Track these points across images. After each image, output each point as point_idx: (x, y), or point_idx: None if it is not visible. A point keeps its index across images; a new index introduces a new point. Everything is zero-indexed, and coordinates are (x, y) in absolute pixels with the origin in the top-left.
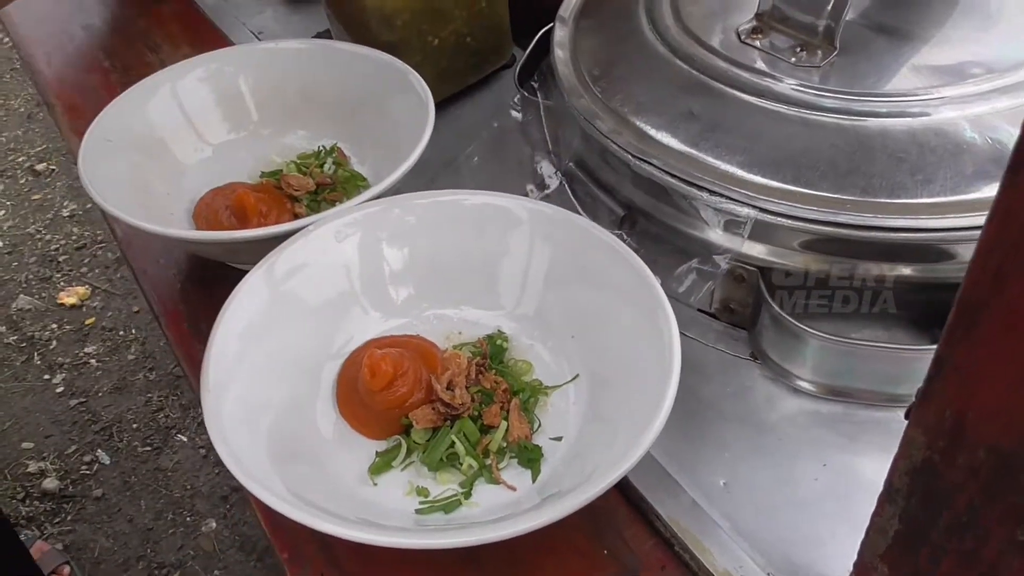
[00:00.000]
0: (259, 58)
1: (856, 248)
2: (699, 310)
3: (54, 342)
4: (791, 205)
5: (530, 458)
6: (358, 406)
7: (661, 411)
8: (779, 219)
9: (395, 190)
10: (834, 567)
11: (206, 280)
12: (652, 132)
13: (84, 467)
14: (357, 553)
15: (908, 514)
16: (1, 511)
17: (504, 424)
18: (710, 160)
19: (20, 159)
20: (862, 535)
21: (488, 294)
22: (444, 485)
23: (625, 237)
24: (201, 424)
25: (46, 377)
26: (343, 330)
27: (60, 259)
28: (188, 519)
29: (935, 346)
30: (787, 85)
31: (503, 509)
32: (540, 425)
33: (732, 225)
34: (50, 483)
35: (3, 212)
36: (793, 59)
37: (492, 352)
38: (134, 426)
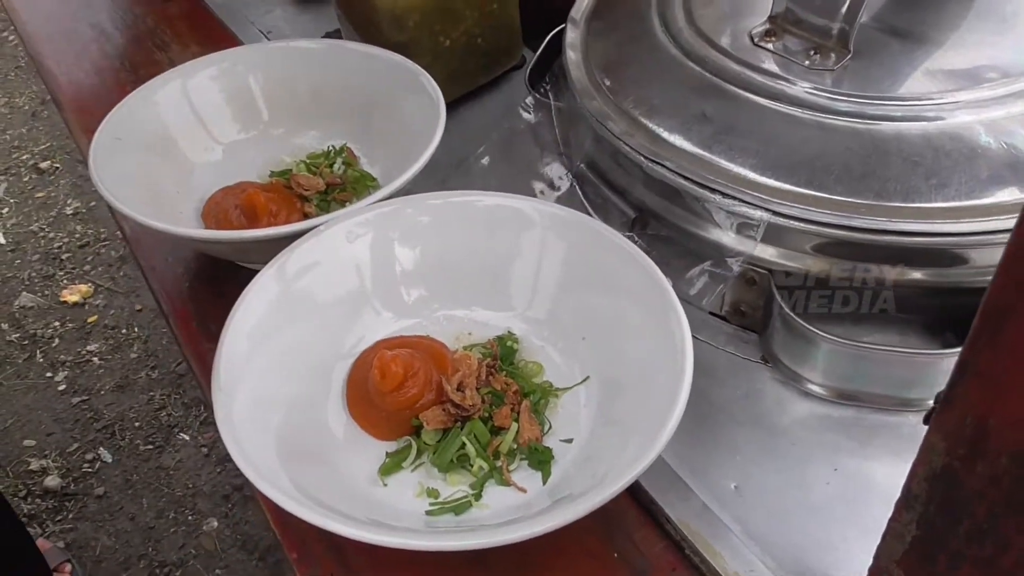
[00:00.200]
0: (270, 57)
1: (869, 252)
2: (710, 313)
3: (56, 340)
4: (804, 208)
5: (541, 460)
6: (368, 407)
7: (673, 415)
8: (792, 222)
9: (406, 191)
10: (846, 571)
11: (215, 279)
12: (664, 134)
13: (86, 465)
14: (366, 553)
15: (926, 520)
16: (11, 509)
17: (515, 426)
18: (723, 163)
19: (24, 157)
20: (874, 539)
21: (499, 295)
22: (454, 486)
23: (636, 239)
24: (203, 423)
25: (48, 375)
26: (354, 330)
27: (63, 257)
28: (190, 518)
29: (947, 350)
30: (801, 88)
31: (513, 511)
32: (551, 427)
33: (744, 228)
34: (52, 481)
35: (7, 209)
36: (807, 62)
37: (502, 353)
38: (136, 424)
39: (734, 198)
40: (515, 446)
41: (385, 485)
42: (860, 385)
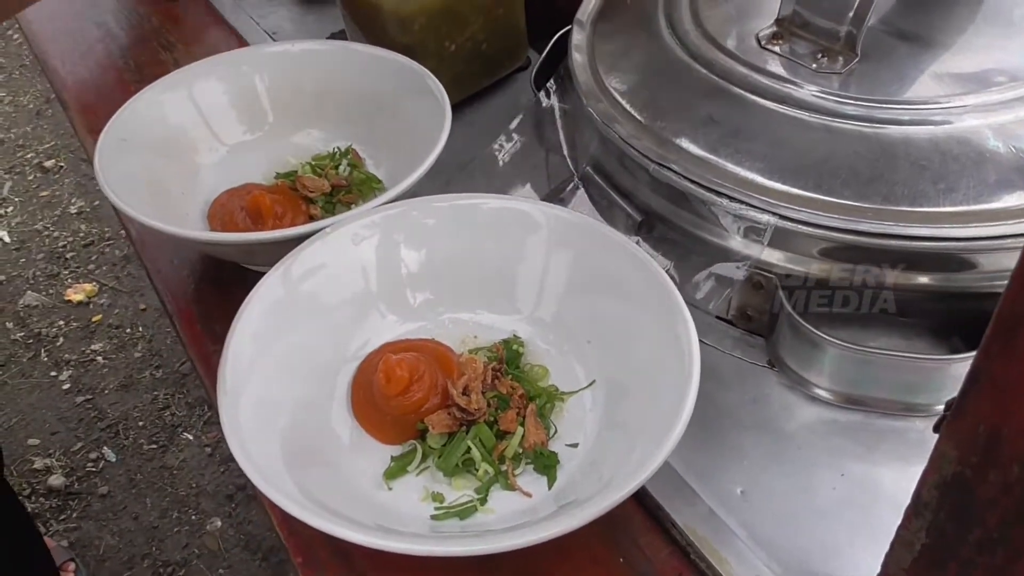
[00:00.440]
0: (276, 59)
1: (877, 256)
2: (716, 317)
3: (61, 339)
4: (812, 212)
5: (546, 464)
6: (373, 410)
7: (680, 420)
8: (799, 226)
9: (411, 193)
10: None
11: (220, 281)
12: (671, 137)
13: (90, 464)
14: (372, 558)
15: (936, 528)
16: (23, 507)
17: (520, 430)
18: (730, 166)
19: (29, 155)
20: (881, 545)
21: (505, 298)
22: (459, 491)
23: (642, 242)
24: (207, 422)
25: (53, 374)
26: (359, 333)
27: (68, 256)
28: (193, 517)
29: (955, 356)
30: (808, 91)
31: (519, 516)
32: (556, 431)
33: (751, 232)
34: (56, 480)
35: (11, 208)
36: (814, 65)
37: (508, 357)
38: (140, 424)
39: (741, 202)
40: (521, 450)
41: (390, 489)
42: (867, 390)
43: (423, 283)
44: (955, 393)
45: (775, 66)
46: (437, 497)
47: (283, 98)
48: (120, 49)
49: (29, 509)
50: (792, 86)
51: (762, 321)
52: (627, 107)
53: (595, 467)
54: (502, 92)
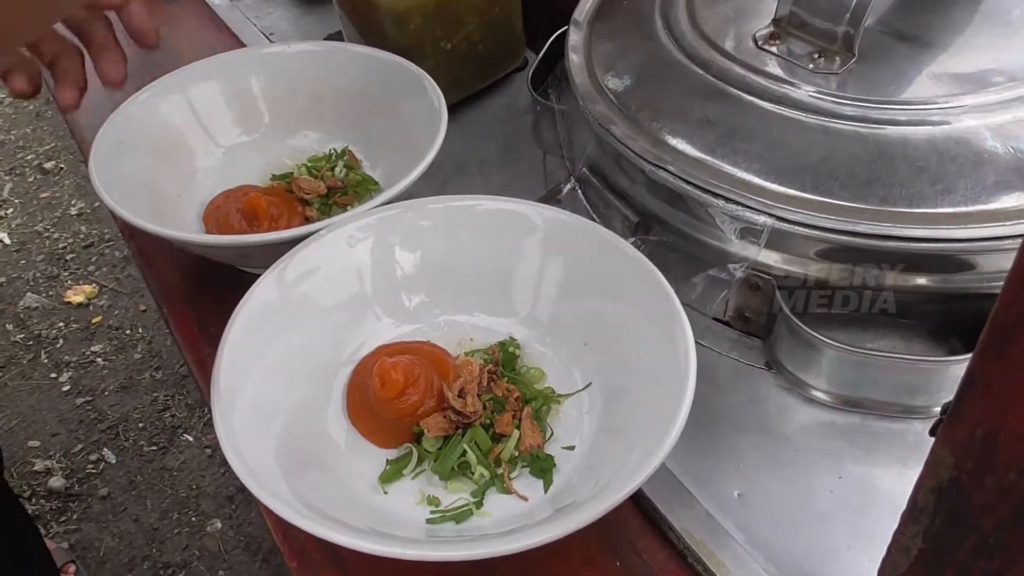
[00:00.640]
0: (271, 60)
1: (874, 258)
2: (713, 318)
3: (61, 340)
4: (809, 214)
5: (542, 468)
6: (368, 414)
7: (676, 422)
8: (796, 228)
9: (407, 195)
10: None
11: (216, 283)
12: (668, 138)
13: (90, 466)
14: (367, 562)
15: (932, 533)
16: (24, 509)
17: (516, 433)
18: (727, 167)
19: (29, 157)
20: (878, 548)
21: (501, 300)
22: (455, 494)
23: (639, 244)
24: (207, 424)
25: (53, 375)
26: (355, 336)
27: (68, 257)
28: (193, 519)
29: (953, 358)
30: (805, 92)
31: (515, 520)
32: (552, 434)
33: (748, 233)
34: (56, 482)
35: (11, 210)
36: (811, 66)
37: (504, 359)
38: (140, 425)
39: (737, 203)
40: (516, 453)
41: (386, 493)
42: (864, 392)
43: (419, 285)
44: (953, 395)
45: (772, 67)
46: (433, 501)
47: (279, 99)
48: None
49: (29, 511)
50: (789, 87)
51: (759, 323)
52: (624, 108)
53: (592, 470)
54: (499, 93)
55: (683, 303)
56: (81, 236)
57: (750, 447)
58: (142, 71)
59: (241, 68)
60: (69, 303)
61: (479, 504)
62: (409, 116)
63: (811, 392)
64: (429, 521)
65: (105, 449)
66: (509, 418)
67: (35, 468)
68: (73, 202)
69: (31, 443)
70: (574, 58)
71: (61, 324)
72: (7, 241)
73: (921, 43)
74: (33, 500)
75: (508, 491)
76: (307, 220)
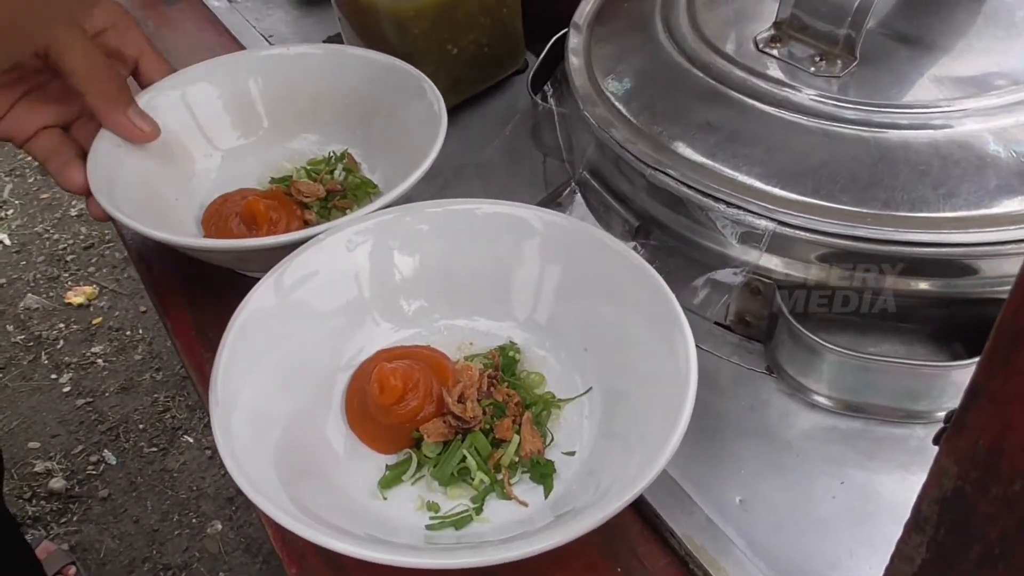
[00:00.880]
0: (271, 63)
1: (876, 262)
2: (714, 322)
3: (61, 342)
4: (810, 218)
5: (543, 473)
6: (367, 420)
7: (677, 428)
8: (797, 232)
9: (406, 198)
10: None
11: (214, 287)
12: (668, 142)
13: (90, 467)
14: (367, 568)
15: (936, 543)
16: (9, 513)
17: (516, 438)
18: (727, 171)
19: (29, 158)
20: (881, 554)
21: (500, 304)
22: (455, 500)
23: (639, 248)
24: (207, 425)
25: (53, 377)
26: (353, 341)
27: (68, 258)
28: (194, 520)
29: (955, 363)
30: (806, 95)
31: (515, 526)
32: (553, 439)
33: (749, 238)
34: (56, 483)
35: (12, 211)
36: (812, 69)
37: (504, 364)
38: (140, 426)
39: (738, 207)
40: (517, 459)
41: (385, 499)
42: (866, 397)
43: (418, 289)
44: (956, 400)
45: (773, 70)
46: (432, 507)
47: (278, 102)
48: None
49: (30, 512)
50: (790, 90)
51: (760, 327)
52: (624, 111)
53: (592, 476)
54: (499, 95)
55: (683, 307)
56: (81, 237)
57: (751, 452)
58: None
59: (239, 71)
60: (69, 304)
61: (479, 510)
62: (408, 119)
63: (813, 397)
64: (429, 527)
65: (105, 450)
66: (509, 423)
67: (35, 469)
68: (73, 203)
69: (31, 444)
70: (574, 61)
71: (61, 325)
72: (7, 242)
73: (923, 46)
74: (34, 501)
75: (508, 497)
76: (306, 224)
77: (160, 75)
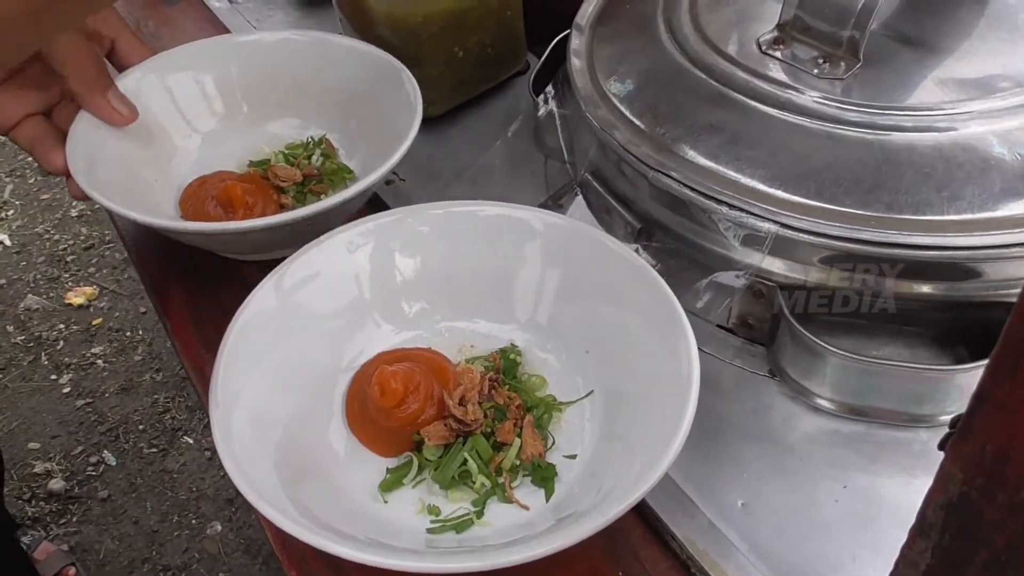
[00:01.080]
0: (252, 48)
1: (879, 265)
2: (717, 325)
3: (61, 342)
4: (814, 221)
5: (544, 477)
6: (368, 422)
7: (679, 432)
8: (801, 235)
9: (405, 200)
10: None
11: (214, 288)
12: (671, 144)
13: (90, 468)
14: (367, 572)
15: (942, 549)
16: (7, 515)
17: (517, 441)
18: (730, 173)
19: (30, 159)
20: (884, 558)
21: (502, 307)
22: (456, 503)
23: (641, 250)
24: (207, 426)
25: (53, 377)
26: (354, 343)
27: (68, 259)
28: (193, 521)
29: (959, 366)
30: (809, 97)
31: (517, 530)
32: (554, 442)
33: (752, 240)
34: (56, 484)
35: (12, 211)
36: (815, 71)
37: (505, 366)
38: (140, 427)
39: (741, 210)
40: (518, 462)
41: (386, 502)
42: (869, 400)
43: (419, 291)
44: (960, 403)
45: (776, 72)
46: (433, 510)
47: (258, 87)
48: None
49: (30, 513)
50: (793, 92)
51: (763, 330)
52: (626, 113)
53: (594, 479)
54: (500, 97)
55: (686, 310)
56: (82, 238)
57: (754, 456)
58: None
59: (220, 54)
60: (69, 305)
61: (480, 513)
62: (386, 108)
63: (815, 400)
64: (429, 530)
65: (105, 451)
66: (510, 426)
67: (35, 470)
68: (74, 204)
69: (31, 445)
70: (576, 62)
71: (61, 326)
72: (8, 243)
73: (927, 48)
74: (33, 502)
75: (509, 500)
76: (282, 208)
77: (138, 57)
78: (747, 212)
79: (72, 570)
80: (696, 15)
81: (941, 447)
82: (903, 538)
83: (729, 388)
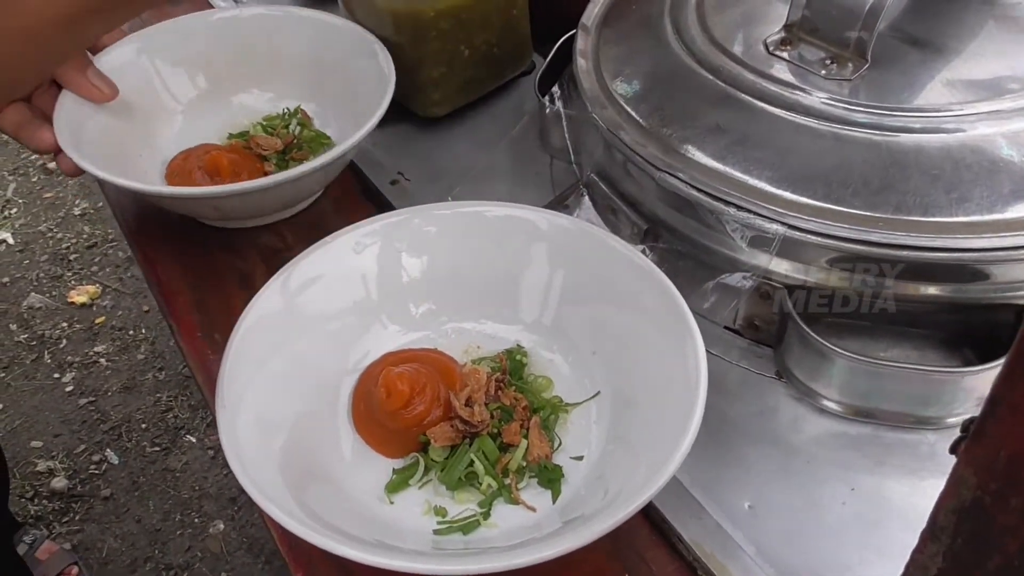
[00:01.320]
0: (226, 24)
1: (887, 267)
2: (724, 327)
3: (64, 341)
4: (821, 222)
5: (550, 478)
6: (374, 424)
7: (687, 434)
8: (808, 236)
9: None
10: None
11: (220, 288)
12: (678, 144)
13: (93, 467)
14: (373, 573)
15: (953, 553)
16: (8, 517)
17: (524, 442)
18: (737, 175)
19: (33, 157)
20: (891, 561)
21: (508, 307)
22: (462, 505)
23: (648, 252)
24: (210, 425)
25: (56, 376)
26: (360, 344)
27: (71, 257)
28: (196, 520)
29: (967, 368)
30: (817, 98)
31: (523, 532)
32: (561, 444)
33: (759, 242)
34: (59, 482)
35: (15, 210)
36: (823, 72)
37: (512, 368)
38: (143, 426)
39: (748, 211)
40: (524, 464)
41: (392, 503)
42: (877, 402)
43: (425, 292)
44: (967, 406)
45: (783, 72)
46: (440, 511)
47: (235, 62)
48: None
49: (32, 512)
50: (801, 93)
51: (770, 331)
52: (632, 113)
53: (601, 481)
54: (506, 97)
55: (693, 311)
56: (85, 236)
57: (761, 458)
58: None
59: (197, 31)
60: (72, 303)
61: (486, 515)
62: (360, 77)
63: (822, 402)
64: (436, 532)
65: (108, 450)
66: (517, 427)
67: (38, 469)
68: (77, 202)
69: (34, 443)
70: (582, 63)
71: (64, 324)
72: (11, 241)
73: (934, 49)
74: (36, 501)
75: (516, 502)
76: (266, 175)
77: (110, 38)
78: (754, 213)
79: (75, 569)
80: (703, 16)
81: (953, 451)
82: (910, 540)
83: (736, 390)
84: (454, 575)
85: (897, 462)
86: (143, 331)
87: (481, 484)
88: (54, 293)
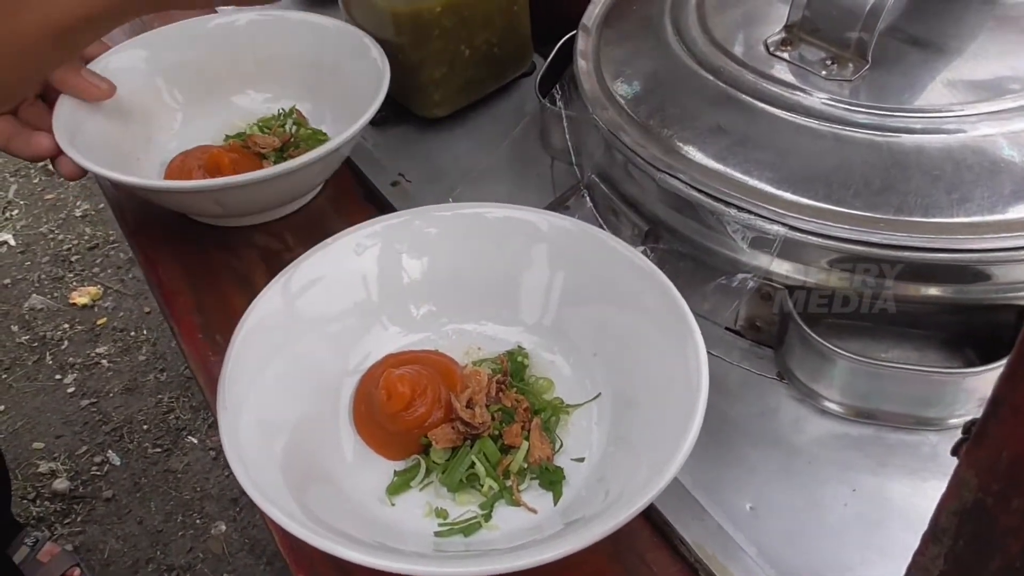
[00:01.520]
0: (221, 30)
1: (888, 267)
2: (725, 328)
3: (66, 342)
4: (822, 223)
5: (552, 480)
6: (375, 426)
7: (689, 435)
8: (809, 237)
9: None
10: None
11: (221, 290)
12: (678, 145)
13: (94, 468)
14: (375, 575)
15: (955, 555)
16: (8, 519)
17: (525, 444)
18: (738, 175)
19: None
20: (892, 562)
21: (509, 309)
22: (463, 506)
23: (649, 253)
24: (212, 426)
25: (57, 377)
26: (361, 345)
27: (72, 259)
28: (198, 521)
29: (968, 369)
30: (817, 99)
31: (524, 534)
32: (562, 445)
33: (760, 242)
34: (60, 484)
35: (17, 211)
36: (824, 72)
37: (513, 369)
38: (144, 427)
39: (749, 212)
40: (525, 465)
41: (393, 505)
42: (878, 403)
43: (426, 293)
44: (969, 407)
45: (784, 73)
46: (441, 513)
47: (230, 66)
48: None
49: (34, 513)
50: (801, 93)
51: (771, 332)
52: (633, 114)
53: (602, 483)
54: (506, 98)
55: (693, 312)
56: (86, 238)
57: (762, 459)
58: None
59: (191, 36)
60: (74, 305)
61: (488, 517)
62: (353, 75)
63: (823, 403)
64: (437, 534)
65: (109, 451)
66: (518, 429)
67: (40, 470)
68: (78, 204)
69: (35, 445)
70: (583, 64)
71: (66, 326)
72: (12, 243)
73: (935, 49)
74: (38, 502)
75: (517, 503)
76: None
77: (96, 48)
78: (755, 214)
79: (77, 571)
80: (703, 16)
81: (954, 452)
82: (912, 542)
83: (737, 391)
84: None
85: (899, 463)
86: (144, 332)
87: (482, 486)
88: (55, 294)
